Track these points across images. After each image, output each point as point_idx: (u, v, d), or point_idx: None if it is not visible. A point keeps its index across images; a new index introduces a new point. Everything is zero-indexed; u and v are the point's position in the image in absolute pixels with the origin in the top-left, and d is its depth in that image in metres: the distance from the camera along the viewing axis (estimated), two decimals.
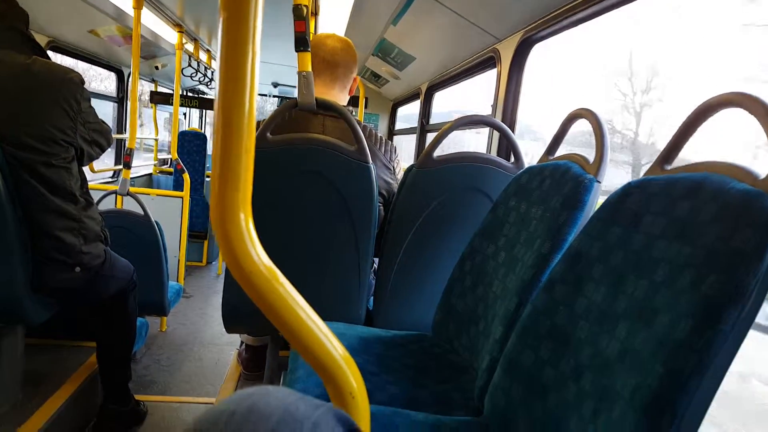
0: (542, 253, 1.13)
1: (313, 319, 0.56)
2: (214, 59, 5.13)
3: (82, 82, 1.65)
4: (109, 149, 1.91)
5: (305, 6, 1.51)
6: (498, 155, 2.18)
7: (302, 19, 1.51)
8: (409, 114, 5.32)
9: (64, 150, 1.62)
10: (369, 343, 1.47)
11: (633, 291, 0.83)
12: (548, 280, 1.03)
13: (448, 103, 4.23)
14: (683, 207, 0.81)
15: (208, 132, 5.92)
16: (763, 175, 0.74)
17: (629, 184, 0.99)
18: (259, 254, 0.53)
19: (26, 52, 1.61)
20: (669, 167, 0.98)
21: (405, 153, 4.89)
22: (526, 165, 1.64)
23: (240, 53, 0.50)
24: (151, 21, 3.45)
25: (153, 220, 2.50)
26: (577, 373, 0.89)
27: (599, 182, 1.15)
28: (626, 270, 0.87)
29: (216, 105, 0.51)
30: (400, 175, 1.91)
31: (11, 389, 1.77)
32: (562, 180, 1.20)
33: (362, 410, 0.60)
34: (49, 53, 2.88)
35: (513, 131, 2.17)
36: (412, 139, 4.52)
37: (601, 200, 1.10)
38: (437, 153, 1.69)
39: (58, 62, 1.72)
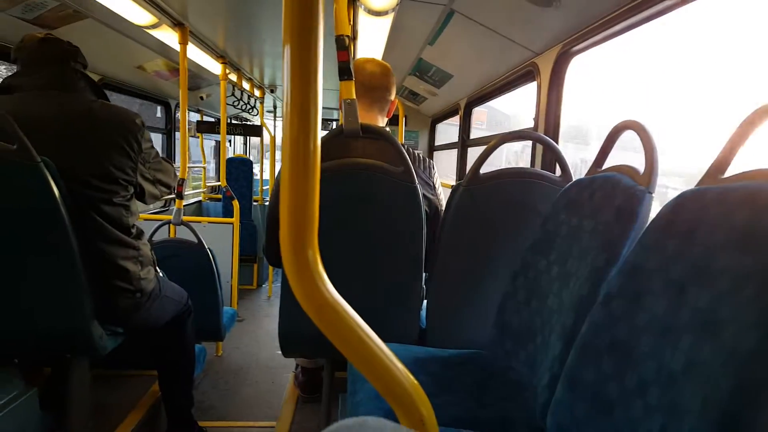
0: (597, 266, 1.12)
1: (380, 347, 0.58)
2: (256, 87, 5.29)
3: (143, 123, 1.73)
4: None
5: (347, 36, 1.55)
6: (542, 168, 2.17)
7: (345, 48, 1.55)
8: (450, 128, 5.34)
9: (123, 188, 1.69)
10: (425, 363, 1.49)
11: (695, 303, 0.83)
12: (606, 295, 1.03)
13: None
14: (741, 216, 0.80)
15: (253, 158, 6.06)
16: None
17: (683, 194, 0.98)
18: (327, 288, 0.56)
19: (87, 94, 1.70)
20: (723, 176, 0.97)
21: (448, 167, 4.89)
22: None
23: (304, 93, 0.52)
24: (195, 54, 3.58)
25: (206, 247, 2.58)
26: (642, 387, 0.88)
27: (651, 194, 1.14)
28: (686, 282, 0.86)
29: (284, 147, 0.54)
30: (439, 190, 1.93)
31: (81, 420, 1.83)
32: (613, 192, 1.19)
33: None
34: None
35: (556, 143, 2.16)
36: (451, 153, 4.54)
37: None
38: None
39: (110, 98, 1.80)
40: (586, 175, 1.42)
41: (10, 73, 1.68)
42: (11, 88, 1.63)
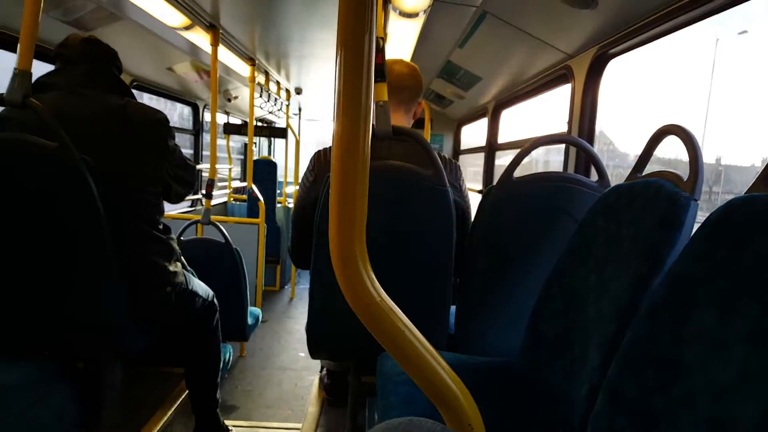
0: (639, 275, 1.09)
1: (429, 350, 0.57)
2: (283, 89, 5.32)
3: (168, 122, 1.75)
4: None
5: (381, 38, 1.54)
6: (576, 172, 2.13)
7: (380, 51, 1.54)
8: (474, 133, 5.30)
9: (153, 186, 1.73)
10: (456, 369, 1.45)
11: (747, 314, 0.79)
12: (650, 305, 0.99)
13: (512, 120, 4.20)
14: None
15: (278, 159, 6.09)
16: None
17: (731, 202, 0.94)
18: (376, 287, 0.55)
19: (119, 94, 1.72)
20: None
21: (472, 171, 4.86)
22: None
23: (356, 95, 0.52)
24: (224, 56, 3.61)
25: (234, 247, 2.59)
26: (690, 401, 0.85)
27: (696, 201, 1.10)
28: (737, 292, 0.83)
29: (334, 148, 0.53)
30: (466, 193, 1.90)
31: (113, 414, 1.85)
32: (655, 199, 1.15)
33: None
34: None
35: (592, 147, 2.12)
36: (477, 157, 4.50)
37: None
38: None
39: (139, 99, 1.83)
40: (626, 180, 1.38)
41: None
42: (46, 86, 1.66)
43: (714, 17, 1.55)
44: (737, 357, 0.78)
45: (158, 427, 1.94)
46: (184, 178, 1.88)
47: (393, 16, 2.47)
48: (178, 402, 2.16)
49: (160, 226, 1.80)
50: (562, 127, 2.40)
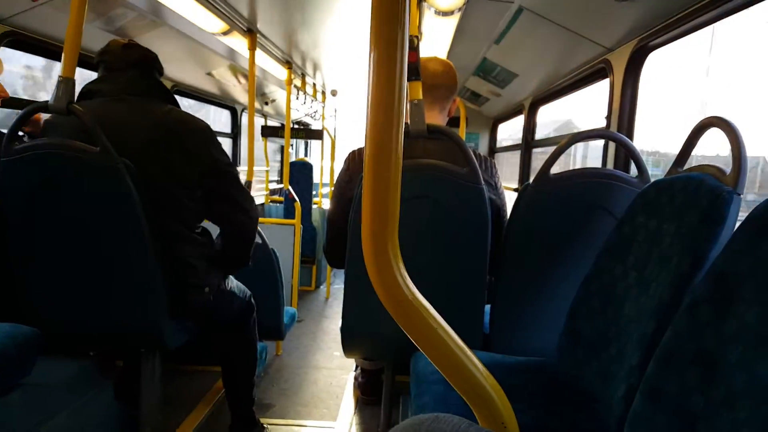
0: (681, 272, 1.06)
1: (462, 348, 0.56)
2: (319, 92, 5.37)
3: (210, 131, 1.78)
4: None
5: (416, 37, 1.54)
6: (615, 168, 2.09)
7: (414, 49, 1.54)
8: (510, 131, 5.24)
9: (191, 192, 1.73)
10: (490, 369, 1.43)
11: None
12: (691, 301, 0.96)
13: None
14: None
15: (314, 161, 6.15)
16: None
17: None
18: (408, 284, 0.55)
19: (162, 100, 1.77)
20: None
21: (509, 169, 4.81)
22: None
23: (389, 93, 0.52)
24: (261, 59, 3.66)
25: (270, 247, 2.62)
26: (730, 401, 0.82)
27: (739, 195, 1.07)
28: None
29: (367, 147, 0.53)
30: (501, 190, 1.88)
31: (152, 411, 1.90)
32: (697, 194, 1.12)
33: None
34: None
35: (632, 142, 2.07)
36: (513, 155, 4.44)
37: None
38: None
39: (181, 104, 1.86)
40: (666, 175, 1.34)
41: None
42: (92, 93, 1.71)
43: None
44: None
45: (196, 424, 1.98)
46: (236, 199, 1.83)
47: (428, 15, 2.46)
48: (216, 400, 2.20)
49: (198, 230, 1.83)
50: (600, 123, 2.35)
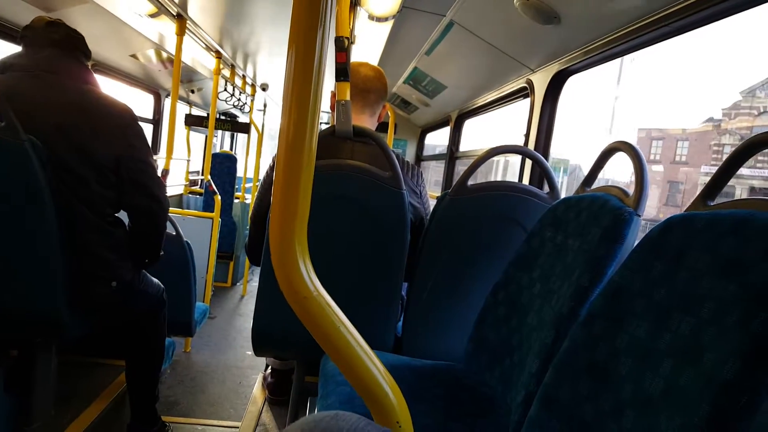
0: (581, 285, 1.11)
1: (362, 346, 0.56)
2: (249, 85, 5.25)
3: (133, 118, 1.71)
4: None
5: (346, 38, 1.54)
6: (530, 184, 2.17)
7: (343, 50, 1.54)
8: (436, 140, 5.34)
9: (103, 176, 1.65)
10: (398, 371, 1.46)
11: (677, 327, 0.82)
12: (588, 314, 1.02)
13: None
14: (728, 244, 0.80)
15: (239, 154, 6.00)
16: None
17: (671, 219, 0.98)
18: (313, 281, 0.54)
19: (81, 81, 1.68)
20: (712, 203, 0.97)
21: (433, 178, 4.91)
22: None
23: (305, 91, 0.52)
24: (190, 46, 3.54)
25: (185, 240, 2.53)
26: (618, 410, 0.87)
27: (639, 216, 1.14)
28: (670, 306, 0.85)
29: (280, 142, 0.53)
30: (426, 199, 1.92)
31: (44, 405, 1.79)
32: (601, 212, 1.18)
33: None
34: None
35: (546, 161, 2.16)
36: (438, 165, 4.53)
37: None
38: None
39: (99, 81, 1.78)
40: (575, 194, 1.41)
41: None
42: (6, 67, 1.62)
43: None
44: (666, 370, 0.80)
45: (91, 420, 1.88)
46: (147, 185, 1.75)
47: (362, 19, 2.47)
48: (116, 395, 2.10)
49: (110, 219, 1.74)
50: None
